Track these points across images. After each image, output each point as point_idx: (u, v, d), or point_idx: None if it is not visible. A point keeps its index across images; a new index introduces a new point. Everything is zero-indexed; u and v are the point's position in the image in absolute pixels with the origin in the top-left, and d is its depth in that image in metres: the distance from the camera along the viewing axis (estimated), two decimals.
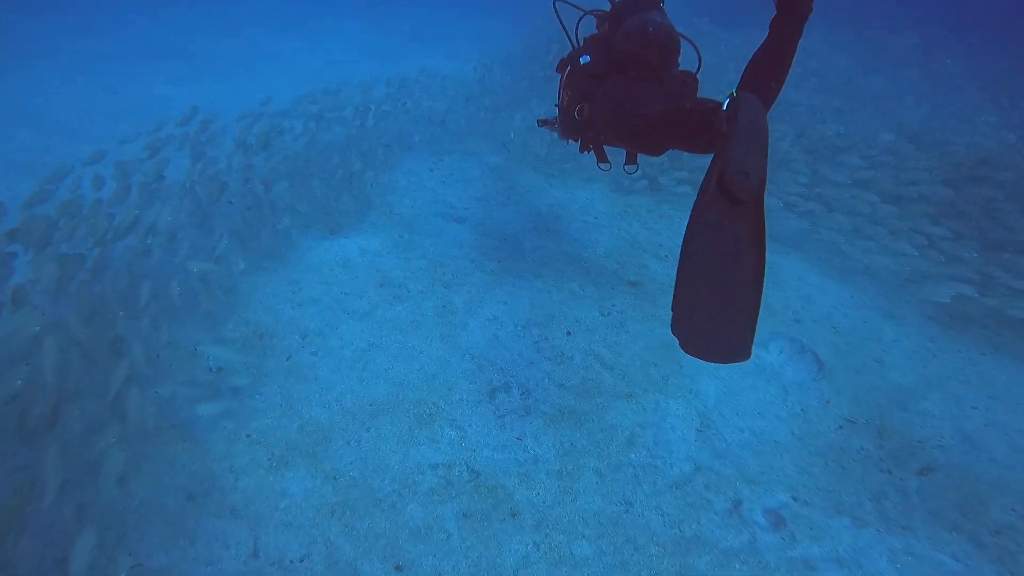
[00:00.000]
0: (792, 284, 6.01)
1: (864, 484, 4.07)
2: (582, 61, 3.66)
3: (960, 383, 4.90)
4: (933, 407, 4.66)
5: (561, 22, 4.19)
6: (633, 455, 4.10)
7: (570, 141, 4.35)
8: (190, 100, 9.72)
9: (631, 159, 4.21)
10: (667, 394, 4.59)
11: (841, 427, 4.51)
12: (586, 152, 4.15)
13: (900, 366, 5.06)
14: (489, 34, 16.22)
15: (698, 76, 3.57)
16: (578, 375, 4.68)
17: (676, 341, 2.38)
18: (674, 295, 2.23)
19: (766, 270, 2.30)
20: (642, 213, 7.16)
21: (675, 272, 2.28)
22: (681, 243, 2.29)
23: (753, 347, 2.20)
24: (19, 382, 3.48)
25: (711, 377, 4.79)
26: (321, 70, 12.14)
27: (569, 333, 5.12)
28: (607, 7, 3.93)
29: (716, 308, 2.20)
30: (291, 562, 3.33)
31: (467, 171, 7.93)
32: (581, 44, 3.93)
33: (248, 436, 3.96)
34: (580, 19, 4.08)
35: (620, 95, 3.35)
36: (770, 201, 7.08)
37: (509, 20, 17.48)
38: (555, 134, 4.56)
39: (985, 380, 4.94)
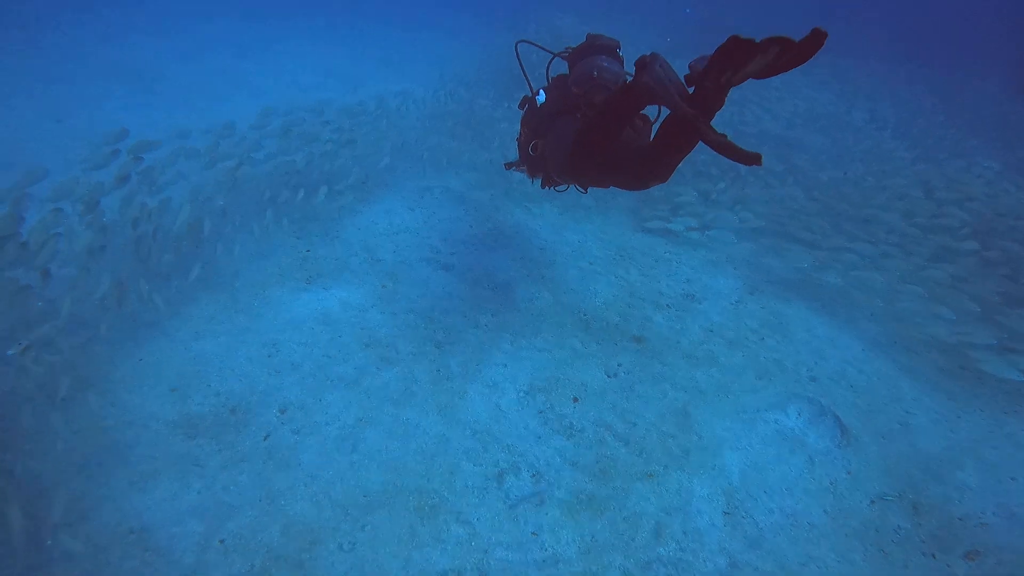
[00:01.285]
0: (801, 337, 5.70)
1: (909, 573, 3.72)
2: (538, 100, 3.83)
3: (991, 448, 4.61)
4: (968, 478, 4.35)
5: (520, 63, 4.23)
6: (662, 548, 3.67)
7: (534, 180, 4.34)
8: (144, 126, 9.12)
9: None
10: (690, 472, 4.18)
11: (873, 502, 4.17)
12: (547, 188, 4.26)
13: (926, 430, 4.76)
14: (459, 55, 15.85)
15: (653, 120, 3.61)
16: (591, 451, 4.25)
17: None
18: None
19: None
20: (637, 257, 6.80)
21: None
22: None
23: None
24: None
25: (733, 450, 4.41)
26: (287, 95, 11.55)
27: (576, 399, 4.69)
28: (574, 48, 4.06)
29: None
30: None
31: (450, 209, 7.48)
32: (549, 83, 4.04)
33: (222, 542, 3.41)
34: (550, 61, 4.11)
35: (560, 133, 3.53)
36: (805, 257, 6.83)
37: (478, 41, 17.19)
38: (522, 174, 4.54)
39: (1017, 444, 4.66)
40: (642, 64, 2.91)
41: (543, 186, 4.28)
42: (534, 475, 4.01)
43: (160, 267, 5.47)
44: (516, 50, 4.22)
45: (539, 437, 4.31)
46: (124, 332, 4.83)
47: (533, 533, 3.66)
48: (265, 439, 4.05)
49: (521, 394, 4.66)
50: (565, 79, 3.90)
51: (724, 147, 2.54)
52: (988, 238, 6.49)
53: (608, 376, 4.98)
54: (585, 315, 5.67)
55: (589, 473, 4.07)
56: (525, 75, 4.25)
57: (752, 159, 2.47)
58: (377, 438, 4.13)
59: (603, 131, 3.19)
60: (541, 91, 3.89)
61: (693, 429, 4.53)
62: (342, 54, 15.28)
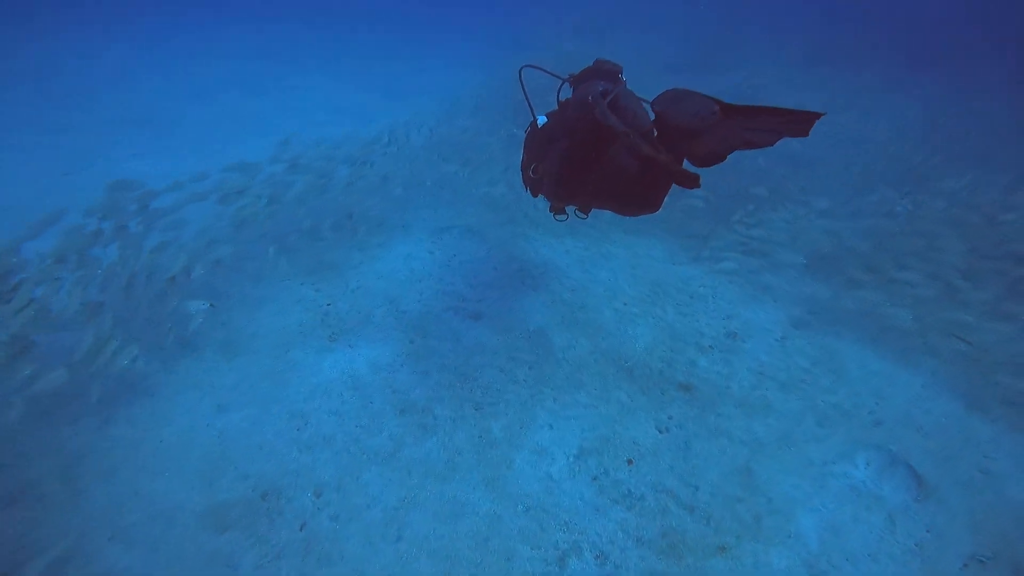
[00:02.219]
0: (856, 374, 5.36)
1: None
2: (539, 123, 3.88)
3: None
4: None
5: (523, 87, 4.25)
6: None
7: (556, 216, 4.35)
8: (154, 172, 8.91)
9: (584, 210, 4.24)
10: (764, 542, 3.84)
11: (966, 565, 3.81)
12: (555, 215, 4.31)
13: (1013, 477, 4.40)
14: (466, 84, 15.68)
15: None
16: (655, 522, 3.90)
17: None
18: None
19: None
20: (672, 294, 6.49)
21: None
22: None
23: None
24: None
25: (807, 511, 4.06)
26: (299, 132, 11.27)
27: (630, 461, 4.36)
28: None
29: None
30: None
31: (471, 249, 7.19)
32: (558, 107, 4.10)
33: None
34: (560, 86, 4.24)
35: (552, 157, 3.62)
36: (873, 296, 6.49)
37: (486, 69, 17.04)
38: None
39: None
40: (603, 96, 3.37)
41: (551, 210, 4.28)
42: (598, 556, 3.67)
43: (164, 326, 5.19)
44: (520, 75, 4.26)
45: (597, 509, 3.97)
46: (143, 408, 4.53)
47: None
48: (301, 529, 3.72)
49: (572, 459, 4.33)
50: (563, 104, 4.01)
51: (670, 168, 2.91)
52: None
53: (660, 432, 4.64)
54: (627, 363, 5.35)
55: (656, 550, 3.72)
56: (527, 99, 4.23)
57: (691, 182, 2.86)
58: (423, 521, 3.80)
59: (576, 159, 3.39)
60: (543, 115, 3.94)
61: (760, 490, 4.18)
62: (351, 89, 15.12)
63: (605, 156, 3.36)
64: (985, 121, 12.31)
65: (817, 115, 2.87)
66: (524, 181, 4.23)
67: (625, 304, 6.21)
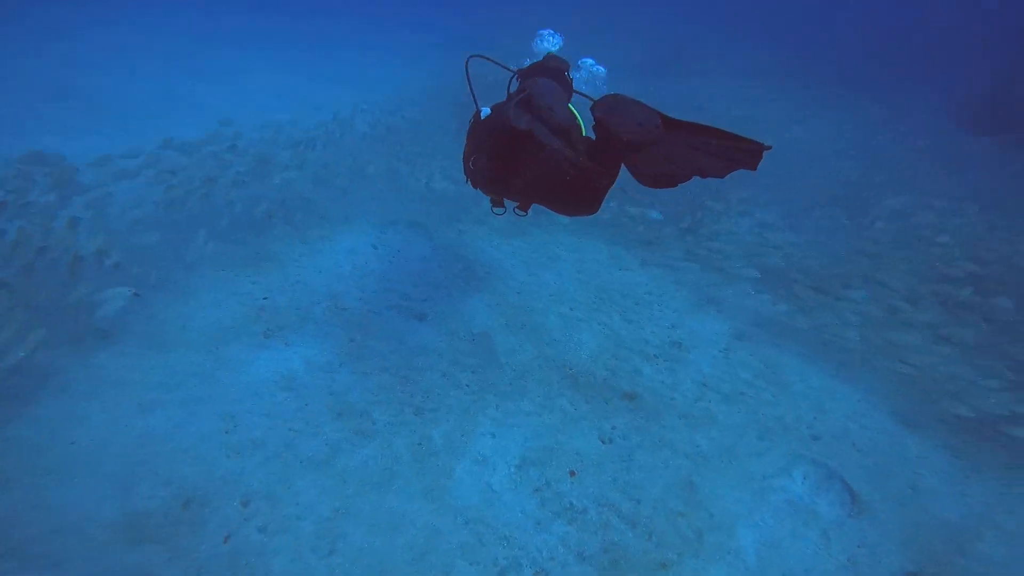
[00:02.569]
0: (798, 388, 5.43)
1: None
2: (483, 115, 3.75)
3: (1007, 514, 4.39)
4: (991, 550, 4.11)
5: (469, 79, 4.20)
6: None
7: (494, 208, 4.23)
8: (83, 149, 8.34)
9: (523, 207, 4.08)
10: (705, 558, 3.81)
11: None
12: (493, 207, 4.18)
13: (939, 494, 4.51)
14: (420, 78, 15.38)
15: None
16: (597, 538, 3.82)
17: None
18: None
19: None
20: (617, 300, 6.46)
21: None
22: None
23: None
24: None
25: (747, 527, 4.06)
26: (241, 114, 10.76)
27: (573, 473, 4.27)
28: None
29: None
30: None
31: (417, 248, 7.00)
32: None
33: None
34: (511, 79, 4.29)
35: (485, 152, 3.57)
36: (819, 312, 6.56)
37: (448, 64, 16.76)
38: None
39: None
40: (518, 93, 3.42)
41: (492, 205, 4.20)
42: (538, 572, 3.56)
43: (78, 313, 4.83)
44: (466, 65, 4.16)
45: (538, 523, 3.86)
46: (51, 407, 4.17)
47: None
48: (226, 541, 3.48)
49: (513, 470, 4.21)
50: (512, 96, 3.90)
51: (577, 163, 3.09)
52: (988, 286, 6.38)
53: (603, 442, 4.58)
54: (572, 370, 5.28)
55: (598, 566, 3.65)
56: (471, 90, 4.18)
57: (599, 178, 3.17)
58: (358, 534, 3.61)
59: (500, 156, 3.37)
60: (487, 107, 3.83)
61: (703, 505, 4.16)
62: (301, 76, 14.62)
63: (531, 154, 3.30)
64: (920, 144, 12.80)
65: (763, 147, 2.86)
66: (465, 172, 4.13)
67: (571, 309, 6.14)
